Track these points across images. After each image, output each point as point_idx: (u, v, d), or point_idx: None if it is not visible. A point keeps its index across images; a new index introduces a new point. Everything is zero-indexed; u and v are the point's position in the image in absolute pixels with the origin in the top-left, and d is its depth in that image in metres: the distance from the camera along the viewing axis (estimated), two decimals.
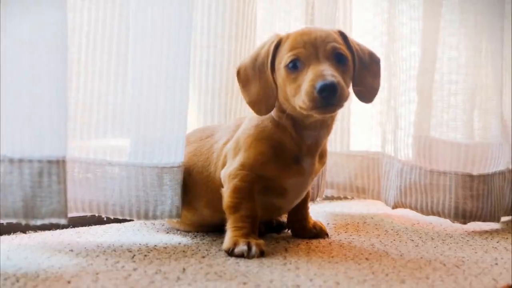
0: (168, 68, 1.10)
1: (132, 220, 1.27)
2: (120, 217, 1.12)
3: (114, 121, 1.12)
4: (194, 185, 1.15)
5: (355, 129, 1.63)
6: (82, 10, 1.10)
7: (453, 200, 1.37)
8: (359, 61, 1.07)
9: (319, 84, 0.95)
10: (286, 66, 1.02)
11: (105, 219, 1.19)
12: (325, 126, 1.09)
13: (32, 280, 0.84)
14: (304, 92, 0.97)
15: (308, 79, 0.97)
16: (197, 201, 1.15)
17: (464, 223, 1.38)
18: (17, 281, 0.83)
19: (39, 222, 0.96)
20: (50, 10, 0.95)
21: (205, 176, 1.14)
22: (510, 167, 1.46)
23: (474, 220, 1.37)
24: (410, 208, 1.43)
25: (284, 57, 1.02)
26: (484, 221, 1.38)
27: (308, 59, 1.00)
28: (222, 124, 1.25)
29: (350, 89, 1.06)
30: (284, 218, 1.27)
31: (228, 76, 1.34)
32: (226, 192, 1.08)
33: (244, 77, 1.08)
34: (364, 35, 1.58)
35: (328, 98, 0.96)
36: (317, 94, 0.95)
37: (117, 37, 1.12)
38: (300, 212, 1.21)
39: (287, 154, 1.07)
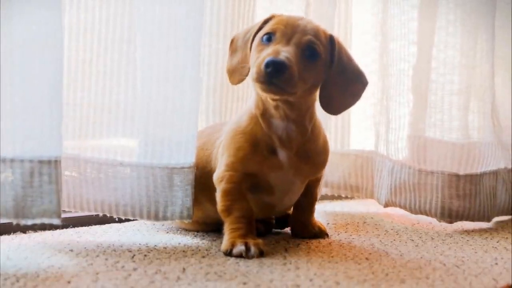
0: (177, 67, 1.09)
1: (135, 220, 1.27)
2: (131, 218, 1.12)
3: (124, 120, 1.12)
4: (199, 178, 1.14)
5: (353, 129, 1.63)
6: (94, 9, 1.10)
7: (439, 199, 1.37)
8: (337, 72, 1.06)
9: (268, 58, 0.97)
10: (261, 38, 1.04)
11: (116, 218, 1.17)
12: (291, 120, 1.07)
13: (32, 280, 0.84)
14: (256, 63, 0.99)
15: (265, 53, 1.00)
16: (201, 195, 1.15)
17: (451, 222, 1.38)
18: (17, 281, 0.83)
19: (29, 222, 0.95)
20: (44, 10, 0.94)
21: (208, 171, 1.14)
22: (510, 167, 1.46)
23: (461, 219, 1.37)
24: (400, 207, 1.43)
25: (263, 30, 1.05)
26: (472, 220, 1.38)
27: (280, 38, 1.02)
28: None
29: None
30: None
31: (223, 75, 1.33)
32: (218, 196, 1.08)
33: (234, 46, 1.12)
34: (362, 35, 1.57)
35: (271, 75, 0.96)
36: (263, 67, 0.97)
37: (127, 36, 1.12)
38: (305, 213, 1.20)
39: (262, 145, 1.07)
